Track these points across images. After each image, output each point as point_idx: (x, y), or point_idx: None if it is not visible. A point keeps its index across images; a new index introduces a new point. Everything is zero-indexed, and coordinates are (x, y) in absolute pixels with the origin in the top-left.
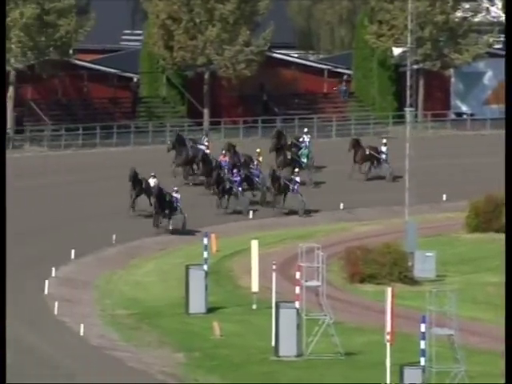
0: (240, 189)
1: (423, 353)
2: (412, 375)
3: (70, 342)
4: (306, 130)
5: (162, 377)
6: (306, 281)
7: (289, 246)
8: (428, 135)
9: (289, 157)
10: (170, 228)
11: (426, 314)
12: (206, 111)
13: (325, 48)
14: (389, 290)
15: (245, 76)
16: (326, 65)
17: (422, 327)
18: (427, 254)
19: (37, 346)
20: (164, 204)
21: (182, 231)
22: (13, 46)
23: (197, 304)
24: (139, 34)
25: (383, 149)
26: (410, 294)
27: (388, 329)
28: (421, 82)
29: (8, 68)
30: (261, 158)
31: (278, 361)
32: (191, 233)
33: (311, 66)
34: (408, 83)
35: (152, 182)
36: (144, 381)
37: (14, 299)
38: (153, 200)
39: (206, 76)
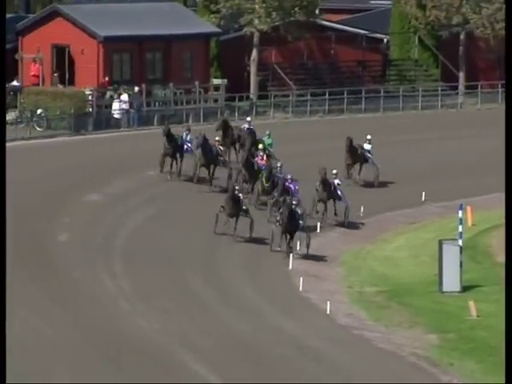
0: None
1: None
2: None
3: (315, 320)
4: (248, 118)
5: (413, 359)
6: None
7: None
8: None
9: (260, 147)
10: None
11: None
12: (461, 74)
13: None
14: None
15: (504, 36)
16: None
17: None
18: None
19: (280, 323)
20: (294, 221)
21: (308, 255)
22: (257, 6)
23: (451, 282)
24: None
25: (367, 147)
26: None
27: None
28: None
29: (251, 30)
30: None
31: None
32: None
33: None
34: None
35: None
36: (395, 363)
37: (256, 274)
38: (283, 216)
39: (462, 36)
